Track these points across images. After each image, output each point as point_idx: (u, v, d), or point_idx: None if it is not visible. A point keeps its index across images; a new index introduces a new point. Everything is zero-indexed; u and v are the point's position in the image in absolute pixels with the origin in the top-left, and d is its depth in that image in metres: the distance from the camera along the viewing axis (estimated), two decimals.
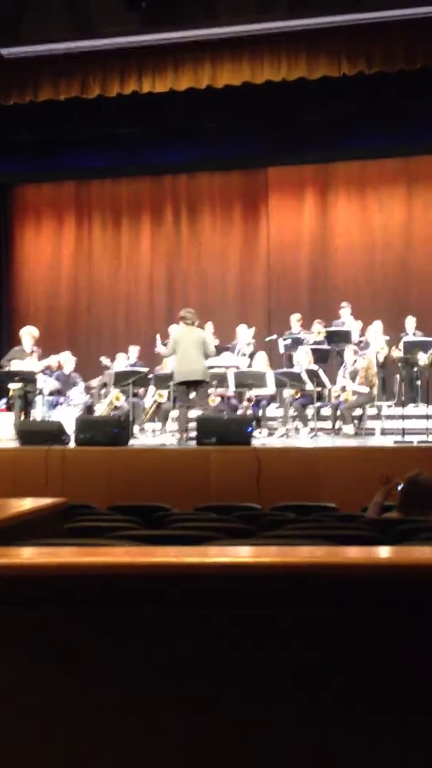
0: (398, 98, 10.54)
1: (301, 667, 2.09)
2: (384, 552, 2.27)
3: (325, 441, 8.55)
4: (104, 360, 10.69)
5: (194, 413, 8.22)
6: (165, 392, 9.42)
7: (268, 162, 12.68)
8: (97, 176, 13.26)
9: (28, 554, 2.46)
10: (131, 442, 8.02)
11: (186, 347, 8.13)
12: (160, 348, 10.11)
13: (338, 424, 9.24)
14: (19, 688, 2.18)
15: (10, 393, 9.26)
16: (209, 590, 2.15)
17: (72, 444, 7.45)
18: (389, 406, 9.85)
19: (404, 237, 12.38)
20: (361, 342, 10.29)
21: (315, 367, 9.44)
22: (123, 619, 2.17)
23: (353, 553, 2.34)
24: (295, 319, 10.91)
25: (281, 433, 9.20)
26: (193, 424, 7.86)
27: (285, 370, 9.69)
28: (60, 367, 10.23)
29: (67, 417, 8.83)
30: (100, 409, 9.73)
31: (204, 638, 2.14)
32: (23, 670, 2.18)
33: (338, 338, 10.24)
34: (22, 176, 13.32)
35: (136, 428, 9.24)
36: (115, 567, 2.23)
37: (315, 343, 10.14)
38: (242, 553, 2.41)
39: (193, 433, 7.70)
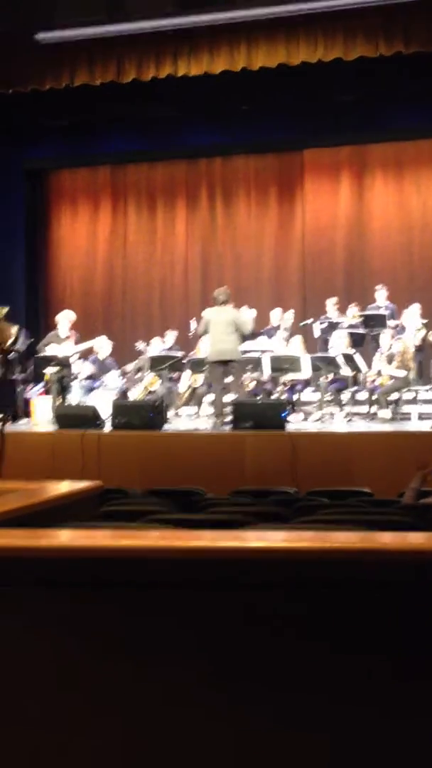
0: None
1: (334, 649, 2.09)
2: (420, 538, 2.26)
3: (360, 426, 8.51)
4: (139, 344, 10.73)
5: (229, 398, 8.22)
6: (200, 377, 9.43)
7: (303, 144, 12.56)
8: (132, 160, 13.26)
9: (65, 537, 2.50)
10: (166, 426, 8.06)
11: (216, 327, 8.13)
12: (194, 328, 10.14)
13: (374, 408, 9.18)
14: (53, 668, 2.21)
15: (47, 377, 9.36)
16: (244, 574, 2.16)
17: (108, 428, 7.51)
18: (426, 391, 9.76)
19: None
20: (397, 326, 10.20)
21: (351, 351, 9.38)
22: (158, 602, 2.19)
23: (388, 538, 2.34)
24: (331, 303, 10.83)
25: (316, 418, 9.17)
26: (228, 409, 7.87)
27: (320, 354, 9.65)
28: (95, 352, 10.30)
29: (103, 401, 8.89)
30: (135, 394, 9.78)
31: (238, 620, 2.15)
32: (59, 650, 2.22)
33: (374, 322, 10.16)
34: (58, 161, 13.37)
35: (171, 413, 9.27)
36: (151, 551, 2.26)
37: (350, 327, 10.07)
38: (277, 538, 2.41)
39: (229, 418, 7.71)
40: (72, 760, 2.18)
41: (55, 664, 2.22)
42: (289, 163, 12.86)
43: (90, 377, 10.04)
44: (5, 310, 10.07)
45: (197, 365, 9.38)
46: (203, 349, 9.81)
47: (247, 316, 9.50)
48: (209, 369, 8.44)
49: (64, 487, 3.77)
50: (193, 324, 10.54)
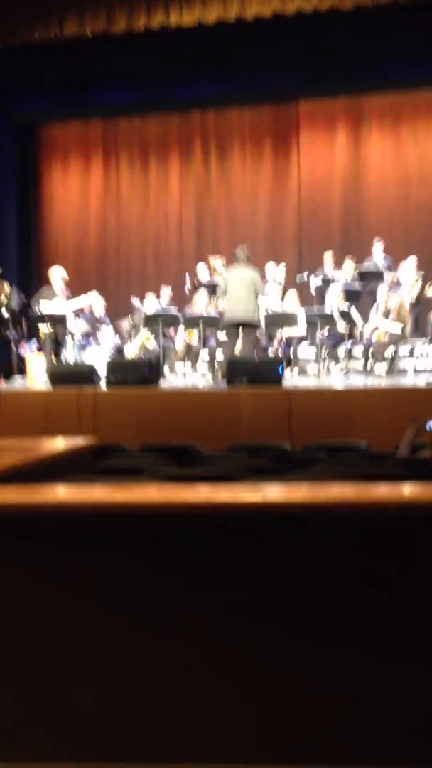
0: None
1: (327, 603, 2.11)
2: (413, 489, 2.26)
3: (356, 381, 8.51)
4: (134, 301, 10.67)
5: (228, 353, 8.21)
6: (195, 333, 9.40)
7: (298, 95, 12.33)
8: (124, 113, 13.02)
9: (62, 493, 2.49)
10: (162, 383, 8.04)
11: (235, 287, 8.10)
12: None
13: (370, 363, 9.17)
14: (51, 623, 2.23)
15: (41, 335, 9.31)
16: (241, 527, 2.17)
17: (103, 385, 7.49)
18: (423, 344, 9.75)
19: None
20: (394, 280, 10.15)
21: (346, 305, 9.34)
22: (156, 555, 2.20)
23: (383, 490, 2.34)
24: (328, 256, 10.75)
25: (313, 373, 9.16)
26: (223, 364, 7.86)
27: (316, 311, 9.61)
28: (90, 309, 10.24)
29: (98, 358, 8.87)
30: (130, 351, 9.75)
31: (235, 573, 2.16)
32: (56, 606, 2.23)
33: (370, 276, 10.10)
34: (48, 114, 13.11)
35: (166, 369, 9.26)
36: (150, 505, 2.26)
37: (346, 284, 10.01)
38: (273, 492, 2.42)
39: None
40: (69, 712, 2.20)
41: (52, 621, 2.24)
42: (284, 115, 12.65)
43: (85, 334, 10.00)
44: None
45: (192, 321, 9.34)
46: (199, 305, 9.76)
47: (271, 271, 9.45)
48: (227, 329, 8.45)
49: (60, 443, 3.77)
50: (188, 278, 10.50)
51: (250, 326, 8.23)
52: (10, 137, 12.79)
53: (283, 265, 10.72)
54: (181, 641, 2.16)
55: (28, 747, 2.20)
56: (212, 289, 9.93)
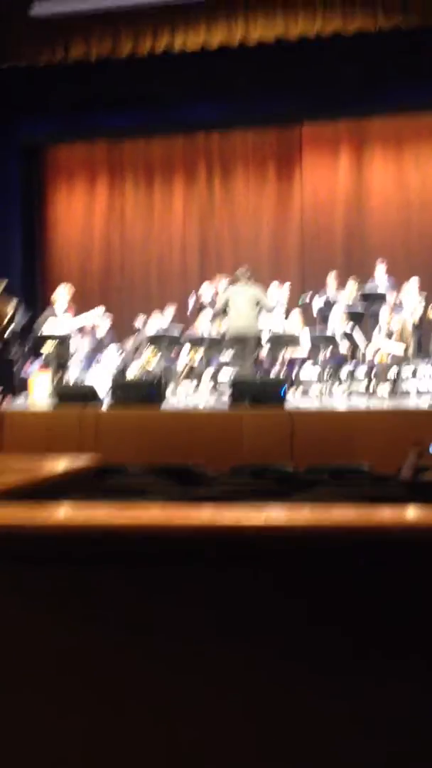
0: None
1: (329, 627, 2.10)
2: (417, 512, 2.26)
3: (359, 402, 8.51)
4: (138, 321, 10.70)
5: (227, 374, 8.23)
6: (198, 353, 9.42)
7: (302, 118, 12.44)
8: (129, 135, 13.14)
9: (64, 512, 2.49)
10: (165, 403, 8.05)
11: (239, 304, 8.19)
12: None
13: (373, 384, 9.18)
14: (50, 645, 2.22)
15: (45, 354, 9.34)
16: (245, 550, 2.16)
17: (106, 405, 7.50)
18: (425, 366, 9.76)
19: None
20: (396, 302, 10.18)
21: (349, 327, 9.36)
22: (159, 577, 2.20)
23: (386, 514, 2.34)
24: (331, 278, 10.78)
25: (315, 394, 9.17)
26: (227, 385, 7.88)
27: (319, 332, 9.63)
28: (94, 329, 10.28)
29: (101, 378, 8.88)
30: (134, 370, 9.76)
31: (239, 596, 2.16)
32: (56, 626, 2.22)
33: (372, 298, 10.13)
34: (54, 136, 13.23)
35: (169, 389, 9.27)
36: (153, 526, 2.26)
37: (348, 307, 10.04)
38: (276, 514, 2.42)
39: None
40: (71, 740, 2.19)
41: (51, 643, 2.23)
42: (288, 138, 12.76)
43: (89, 354, 10.02)
44: (3, 283, 10.05)
45: (196, 342, 9.36)
46: (202, 326, 9.79)
47: (274, 292, 9.54)
48: (232, 345, 8.54)
49: (63, 463, 3.77)
50: (191, 300, 10.54)
51: (251, 339, 8.28)
52: (15, 159, 12.91)
53: (286, 285, 10.75)
54: (181, 662, 2.15)
55: None
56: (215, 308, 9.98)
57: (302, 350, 9.39)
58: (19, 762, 2.20)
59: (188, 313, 10.53)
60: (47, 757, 2.19)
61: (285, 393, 7.46)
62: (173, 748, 2.13)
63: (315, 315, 10.52)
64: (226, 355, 9.93)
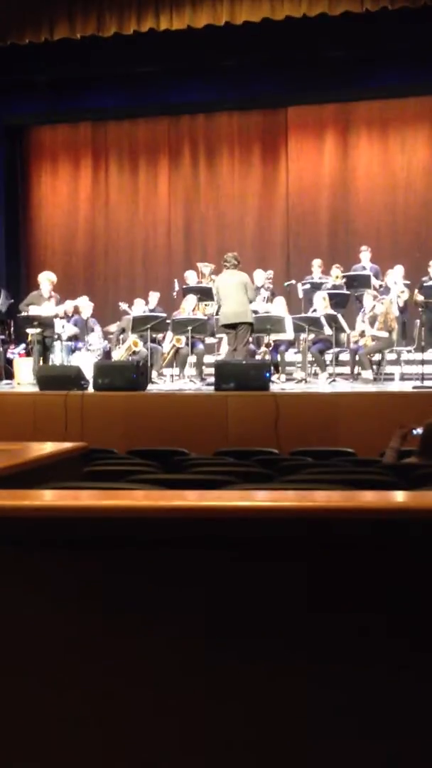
0: (422, 35, 10.22)
1: (312, 607, 2.12)
2: (400, 496, 2.28)
3: (343, 386, 8.54)
4: (122, 305, 10.67)
5: (211, 358, 8.24)
6: (183, 337, 9.42)
7: (288, 101, 12.40)
8: (113, 117, 13.05)
9: (49, 497, 2.50)
10: (149, 387, 8.05)
11: (228, 290, 8.18)
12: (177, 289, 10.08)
13: (357, 369, 9.21)
14: (38, 624, 2.23)
15: (29, 338, 9.30)
16: (227, 533, 2.18)
17: (91, 389, 7.49)
18: (408, 351, 9.80)
19: (427, 178, 12.12)
20: (381, 286, 10.20)
21: (333, 311, 9.38)
22: (142, 560, 2.21)
23: (369, 497, 2.36)
24: (316, 265, 10.80)
25: (299, 379, 9.19)
26: (211, 369, 7.88)
27: (303, 315, 9.64)
28: (77, 312, 10.24)
29: (86, 362, 8.86)
30: (118, 355, 9.74)
31: (222, 579, 2.17)
32: (43, 607, 2.23)
33: (357, 283, 10.15)
34: (38, 117, 13.10)
35: (154, 373, 9.26)
36: (136, 510, 2.26)
37: (333, 287, 10.06)
38: (260, 497, 2.43)
39: (212, 378, 7.72)
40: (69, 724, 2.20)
41: (36, 625, 2.24)
42: (274, 121, 12.71)
43: (72, 338, 9.98)
44: None
45: (180, 326, 9.35)
46: (187, 310, 9.78)
47: (259, 276, 9.55)
48: (225, 331, 8.56)
49: (48, 447, 3.77)
50: (176, 284, 10.52)
51: (244, 325, 8.29)
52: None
53: (270, 271, 10.75)
54: (171, 643, 2.17)
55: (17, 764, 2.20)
56: (200, 293, 9.95)
57: (286, 335, 9.40)
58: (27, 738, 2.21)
59: (174, 296, 10.51)
60: (48, 728, 2.21)
61: (269, 377, 7.47)
62: (170, 732, 2.15)
63: (300, 298, 10.53)
64: (211, 339, 9.93)
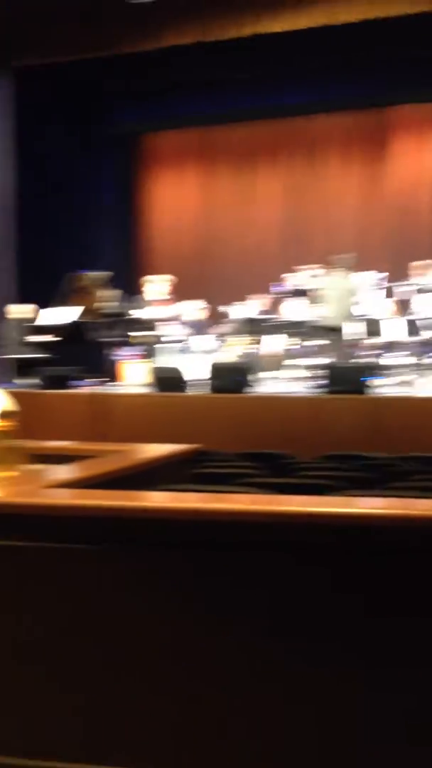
0: None
1: (419, 614, 2.12)
2: None
3: None
4: (230, 307, 10.75)
5: (318, 361, 8.22)
6: (290, 339, 9.42)
7: (392, 101, 12.24)
8: (220, 122, 13.18)
9: (157, 499, 2.57)
10: (257, 389, 8.09)
11: (335, 293, 8.20)
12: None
13: None
14: (145, 623, 2.31)
15: (138, 340, 9.50)
16: (333, 539, 2.19)
17: (199, 391, 7.59)
18: None
19: None
20: None
21: None
22: (248, 563, 2.25)
23: None
24: (423, 265, 10.58)
25: (403, 382, 9.04)
26: (320, 372, 7.86)
27: (407, 317, 9.48)
28: (186, 315, 10.39)
29: (194, 364, 8.97)
30: (226, 357, 9.83)
31: (326, 584, 2.19)
32: (146, 607, 2.31)
33: None
34: (148, 125, 13.39)
35: (261, 375, 9.30)
36: (242, 514, 2.31)
37: None
38: (366, 505, 2.43)
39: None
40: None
41: (140, 621, 2.31)
42: (378, 120, 12.58)
43: (180, 340, 10.14)
44: (97, 275, 10.25)
45: (287, 327, 9.36)
46: (294, 311, 9.79)
47: (364, 277, 9.52)
48: (328, 334, 8.56)
49: (159, 449, 3.86)
50: (285, 286, 10.55)
51: (349, 327, 8.26)
52: (110, 148, 13.13)
53: (374, 272, 10.62)
54: (268, 645, 2.21)
55: (119, 750, 2.28)
56: (306, 295, 9.93)
57: (392, 337, 9.27)
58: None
59: (278, 299, 10.53)
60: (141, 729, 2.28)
61: (374, 380, 7.40)
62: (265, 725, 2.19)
63: (403, 301, 10.36)
64: (317, 342, 9.89)
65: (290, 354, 9.47)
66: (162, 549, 2.32)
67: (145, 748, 2.27)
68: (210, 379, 7.54)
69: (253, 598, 2.24)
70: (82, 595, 2.36)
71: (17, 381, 8.90)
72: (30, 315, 9.62)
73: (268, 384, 9.56)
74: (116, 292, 9.94)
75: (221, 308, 11.01)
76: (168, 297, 9.67)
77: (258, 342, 9.68)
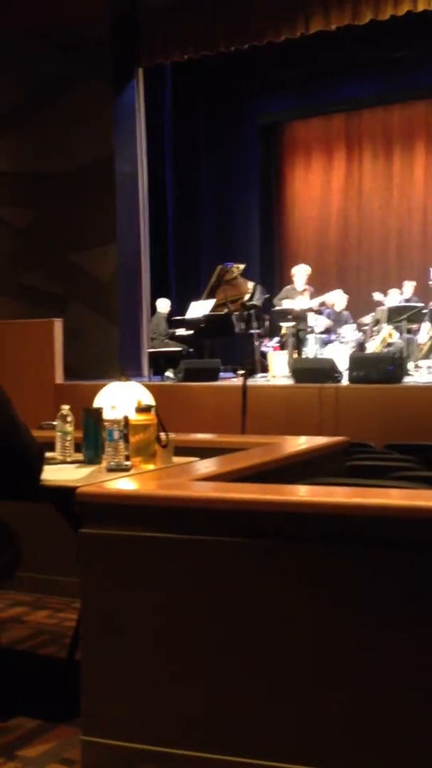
0: None
1: None
2: None
3: None
4: (376, 296, 10.51)
5: None
6: None
7: None
8: (367, 106, 12.89)
9: (303, 493, 2.50)
10: (406, 379, 7.85)
11: None
12: None
13: None
14: (282, 617, 2.26)
15: (283, 331, 9.44)
16: None
17: (345, 382, 7.45)
18: None
19: None
20: None
21: None
22: (401, 560, 2.15)
23: None
24: None
25: None
26: None
27: None
28: (331, 305, 10.24)
29: (339, 354, 8.82)
30: (373, 346, 9.60)
31: None
32: (290, 601, 2.25)
33: None
34: (291, 113, 13.30)
35: (410, 365, 9.02)
36: (392, 509, 2.21)
37: None
38: None
39: None
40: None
41: (285, 615, 2.27)
42: None
43: (326, 330, 10.00)
44: (242, 267, 10.29)
45: None
46: None
47: None
48: None
49: (311, 441, 3.80)
50: None
51: None
52: (254, 138, 13.12)
53: None
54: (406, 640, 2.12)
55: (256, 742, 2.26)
56: None
57: None
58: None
59: (430, 285, 10.18)
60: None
61: None
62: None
63: None
64: None
65: None
66: (308, 544, 2.26)
67: (269, 740, 2.25)
68: (350, 369, 7.38)
69: (403, 596, 2.16)
70: (231, 589, 2.33)
71: (166, 374, 9.07)
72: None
73: (419, 373, 9.27)
74: (251, 283, 9.92)
75: (371, 296, 10.77)
76: (308, 287, 9.54)
77: (409, 330, 9.39)
